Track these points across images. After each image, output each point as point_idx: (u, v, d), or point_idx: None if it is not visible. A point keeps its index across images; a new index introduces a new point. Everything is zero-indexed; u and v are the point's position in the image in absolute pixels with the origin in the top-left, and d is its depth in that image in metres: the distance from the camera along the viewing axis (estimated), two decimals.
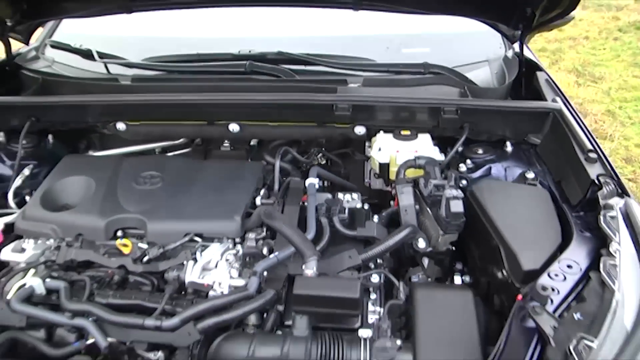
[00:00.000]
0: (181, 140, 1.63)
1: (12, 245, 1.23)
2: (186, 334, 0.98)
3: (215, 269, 1.10)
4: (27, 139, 1.51)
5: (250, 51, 1.58)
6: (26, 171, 1.46)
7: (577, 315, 0.81)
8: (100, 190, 1.28)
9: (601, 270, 0.87)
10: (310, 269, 1.01)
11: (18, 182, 1.42)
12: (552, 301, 0.86)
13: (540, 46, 6.12)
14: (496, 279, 1.08)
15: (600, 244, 0.97)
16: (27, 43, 1.79)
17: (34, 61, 1.81)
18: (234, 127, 1.45)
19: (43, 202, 1.28)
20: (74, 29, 1.92)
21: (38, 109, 1.51)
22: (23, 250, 1.23)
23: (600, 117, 4.15)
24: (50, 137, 1.59)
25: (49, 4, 1.56)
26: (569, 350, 0.74)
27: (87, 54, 1.71)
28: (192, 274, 1.08)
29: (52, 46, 1.85)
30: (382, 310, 1.08)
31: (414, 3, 1.45)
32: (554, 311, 0.84)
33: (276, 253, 1.08)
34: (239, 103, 1.39)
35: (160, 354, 0.96)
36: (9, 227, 1.29)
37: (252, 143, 1.63)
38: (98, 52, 1.67)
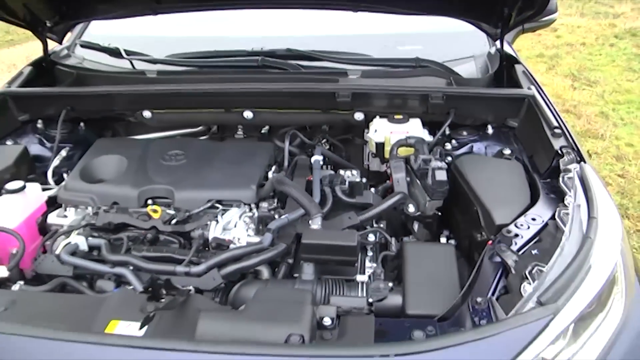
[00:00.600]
0: (199, 128, 1.83)
1: (56, 211, 1.43)
2: (211, 279, 1.16)
3: (235, 228, 1.29)
4: (63, 125, 1.71)
5: (262, 48, 1.79)
6: (63, 152, 1.67)
7: (534, 251, 1.00)
8: (132, 166, 1.48)
9: (556, 217, 1.05)
10: (315, 224, 1.20)
11: (56, 162, 1.63)
12: (516, 243, 1.05)
13: (537, 52, 6.33)
14: (475, 240, 1.27)
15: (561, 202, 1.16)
16: (60, 42, 2.01)
17: (65, 59, 2.02)
18: (248, 114, 1.65)
19: (82, 176, 1.48)
20: (101, 31, 2.14)
21: (74, 99, 1.72)
22: (65, 216, 1.43)
23: (593, 118, 4.34)
24: (82, 124, 1.79)
25: (84, 6, 1.77)
26: (525, 274, 0.93)
27: (115, 52, 1.92)
28: (215, 231, 1.27)
29: (82, 46, 2.07)
30: (377, 265, 1.26)
31: (407, 5, 1.66)
32: (517, 251, 1.03)
33: (287, 214, 1.27)
34: (253, 92, 1.59)
35: (191, 287, 1.15)
36: (51, 200, 1.50)
37: (263, 131, 1.83)
38: (125, 50, 1.89)
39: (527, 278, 0.92)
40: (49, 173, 1.59)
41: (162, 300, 1.01)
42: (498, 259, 1.02)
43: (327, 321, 0.97)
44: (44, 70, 1.93)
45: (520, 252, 1.02)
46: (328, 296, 1.13)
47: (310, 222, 1.22)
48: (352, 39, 1.88)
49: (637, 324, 0.95)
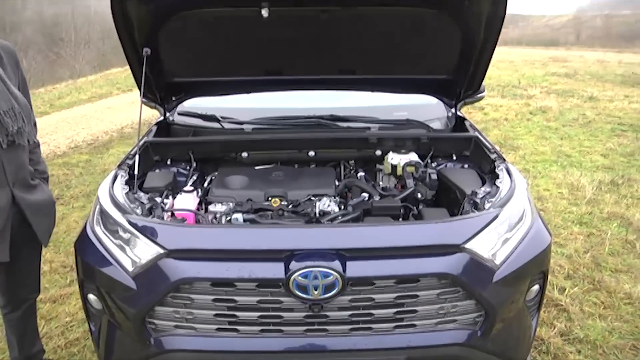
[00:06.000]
0: (272, 165, 3.04)
1: (210, 205, 2.57)
2: None
3: (329, 206, 2.49)
4: (186, 163, 2.88)
5: (314, 114, 3.10)
6: (194, 177, 2.82)
7: (488, 197, 2.30)
8: (254, 181, 2.66)
9: (495, 184, 2.38)
10: (377, 199, 2.45)
11: (190, 182, 2.77)
12: (478, 195, 2.34)
13: None
14: (454, 210, 2.55)
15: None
16: (170, 111, 3.22)
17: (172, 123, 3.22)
18: (312, 153, 2.91)
19: (222, 186, 2.64)
20: (191, 104, 3.36)
21: (198, 145, 2.89)
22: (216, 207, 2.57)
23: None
24: (195, 162, 2.95)
25: (201, 88, 3.02)
26: (485, 202, 2.22)
27: (211, 118, 3.14)
28: (320, 207, 2.46)
29: (180, 113, 3.27)
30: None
31: (402, 87, 3.08)
32: (480, 198, 2.33)
33: (356, 199, 2.50)
34: (318, 138, 2.86)
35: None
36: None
37: (311, 165, 3.07)
38: (221, 117, 3.12)
39: (484, 206, 2.22)
40: (188, 188, 2.72)
41: None
42: (472, 201, 2.31)
43: None
44: (162, 129, 3.11)
45: (481, 198, 2.33)
46: None
47: (374, 198, 2.47)
48: (364, 109, 3.25)
49: (535, 226, 2.24)
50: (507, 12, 2.47)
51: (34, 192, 2.23)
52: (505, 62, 19.15)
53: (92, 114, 9.04)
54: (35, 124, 2.32)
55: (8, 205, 2.11)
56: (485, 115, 8.89)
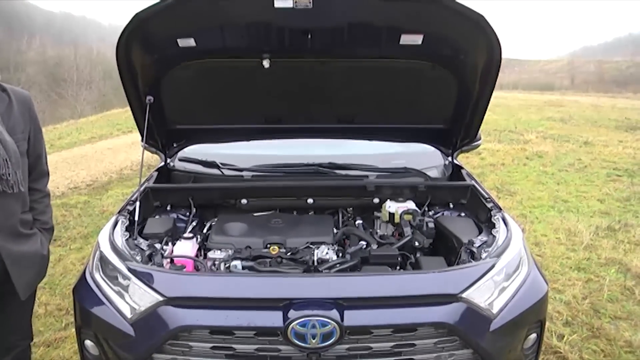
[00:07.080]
0: (271, 212, 3.09)
1: (209, 252, 2.60)
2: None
3: (328, 254, 2.53)
4: (186, 209, 2.93)
5: (313, 162, 3.18)
6: (194, 223, 2.86)
7: (484, 247, 2.34)
8: (252, 227, 2.71)
9: (492, 233, 2.43)
10: (375, 247, 2.49)
11: (190, 227, 2.81)
12: (475, 244, 2.39)
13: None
14: (451, 259, 2.59)
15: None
16: (171, 157, 3.29)
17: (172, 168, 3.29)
18: (310, 200, 2.96)
19: (221, 233, 2.68)
20: (192, 150, 3.44)
21: (197, 191, 2.95)
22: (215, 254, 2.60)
23: (515, 218, 6.02)
24: (195, 208, 3.00)
25: (203, 136, 3.10)
26: (482, 251, 2.26)
27: (211, 164, 3.22)
28: (319, 255, 2.50)
29: (180, 159, 3.35)
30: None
31: (399, 137, 3.17)
32: (477, 247, 2.37)
33: (354, 247, 2.54)
34: (316, 186, 2.93)
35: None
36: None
37: (310, 212, 3.12)
38: (221, 163, 3.20)
39: (480, 255, 2.26)
40: (187, 234, 2.76)
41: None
42: (468, 250, 2.36)
43: None
44: (163, 174, 3.18)
45: (478, 247, 2.37)
46: None
47: (371, 246, 2.51)
48: (363, 157, 3.33)
49: (531, 275, 2.28)
50: (503, 56, 2.56)
51: (22, 243, 2.15)
52: (502, 107, 19.55)
53: (92, 155, 9.15)
54: (47, 173, 2.36)
55: None
56: (482, 160, 9.02)
